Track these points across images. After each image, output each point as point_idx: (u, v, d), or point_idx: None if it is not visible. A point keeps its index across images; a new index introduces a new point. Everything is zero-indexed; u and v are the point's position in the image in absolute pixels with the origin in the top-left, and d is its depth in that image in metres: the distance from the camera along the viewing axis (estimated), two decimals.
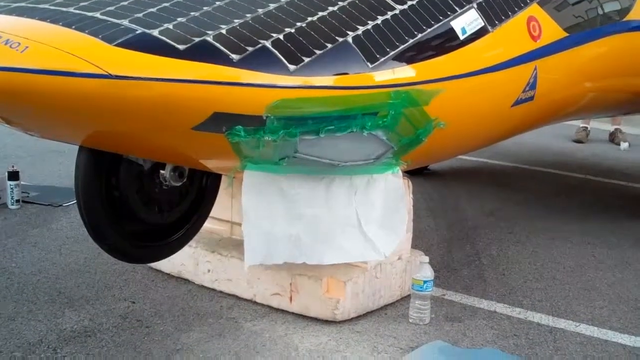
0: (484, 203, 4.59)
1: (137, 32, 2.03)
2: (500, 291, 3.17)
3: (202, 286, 3.04)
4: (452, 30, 2.62)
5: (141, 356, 2.48)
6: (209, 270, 3.03)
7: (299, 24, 2.25)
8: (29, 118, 2.18)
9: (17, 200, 3.99)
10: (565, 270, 3.47)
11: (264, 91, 2.12)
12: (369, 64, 2.31)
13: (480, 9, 2.75)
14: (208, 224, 2.99)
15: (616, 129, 6.88)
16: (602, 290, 3.26)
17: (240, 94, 2.09)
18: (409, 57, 2.44)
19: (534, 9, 3.02)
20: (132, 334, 2.63)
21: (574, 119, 5.28)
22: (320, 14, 2.32)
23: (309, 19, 2.29)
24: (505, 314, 2.94)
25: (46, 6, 2.12)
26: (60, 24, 2.03)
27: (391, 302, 2.96)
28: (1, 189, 4.00)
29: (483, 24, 2.73)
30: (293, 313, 2.82)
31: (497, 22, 2.80)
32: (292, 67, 2.15)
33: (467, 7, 2.71)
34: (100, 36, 1.99)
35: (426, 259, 2.86)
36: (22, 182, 4.07)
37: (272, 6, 2.27)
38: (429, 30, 2.53)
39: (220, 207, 3.00)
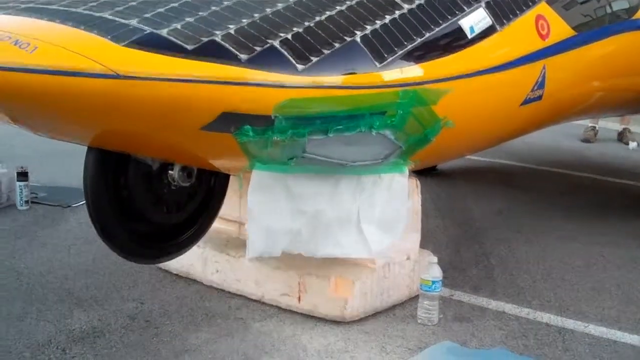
0: (492, 203, 4.57)
1: (146, 31, 2.03)
2: (509, 291, 3.16)
3: (211, 286, 3.04)
4: (460, 29, 2.61)
5: (150, 356, 2.48)
6: (217, 271, 3.03)
7: (307, 23, 2.25)
8: (38, 118, 2.18)
9: (26, 201, 4.00)
10: (573, 271, 3.46)
11: (272, 91, 2.12)
12: (377, 63, 2.31)
13: (489, 7, 2.74)
14: (216, 224, 2.99)
15: (625, 129, 6.85)
16: (611, 290, 3.25)
17: (249, 93, 2.09)
18: (417, 56, 2.44)
19: (543, 8, 3.01)
20: (141, 334, 2.63)
21: (582, 119, 5.26)
22: (328, 13, 2.32)
23: (317, 18, 2.28)
24: (514, 314, 2.93)
25: (55, 7, 2.13)
26: (69, 24, 2.03)
27: (399, 302, 2.95)
28: (10, 190, 4.01)
29: (491, 22, 2.73)
30: (301, 313, 2.81)
31: (505, 21, 2.79)
32: (300, 66, 2.15)
33: (475, 6, 2.70)
34: (109, 36, 2.00)
35: (434, 259, 2.86)
36: (30, 183, 4.08)
37: (280, 5, 2.27)
38: (437, 29, 2.53)
39: (229, 207, 3.00)
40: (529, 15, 2.93)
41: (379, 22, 2.38)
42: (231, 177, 2.88)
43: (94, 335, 2.60)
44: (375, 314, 2.84)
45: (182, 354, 2.50)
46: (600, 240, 3.90)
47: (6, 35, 1.97)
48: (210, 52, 2.05)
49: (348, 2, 2.39)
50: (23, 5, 2.17)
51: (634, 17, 3.66)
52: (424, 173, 4.55)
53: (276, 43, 2.15)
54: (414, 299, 2.94)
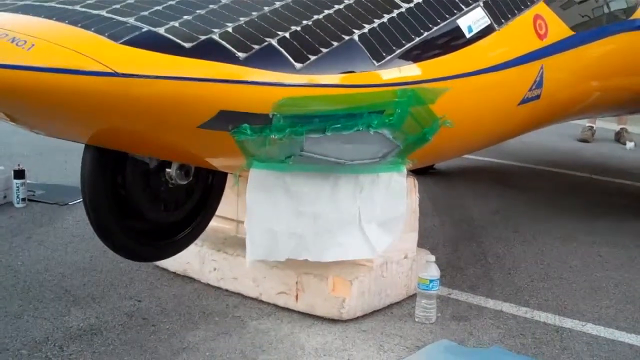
0: (490, 202, 4.58)
1: (143, 30, 2.03)
2: (507, 290, 3.16)
3: (208, 285, 3.04)
4: (458, 28, 2.61)
5: (147, 354, 2.47)
6: (214, 269, 3.03)
7: (305, 22, 2.25)
8: (35, 116, 2.18)
9: (23, 199, 3.99)
10: (571, 270, 3.46)
11: (270, 89, 2.11)
12: (375, 62, 2.31)
13: (487, 7, 2.74)
14: (214, 223, 2.99)
15: (622, 129, 6.87)
16: (608, 289, 3.25)
17: (247, 92, 2.09)
18: (415, 55, 2.44)
19: (541, 7, 3.02)
20: (138, 332, 2.63)
21: (580, 118, 5.27)
22: (327, 12, 2.32)
23: (315, 17, 2.28)
24: (512, 314, 2.93)
25: (52, 4, 2.12)
26: (66, 22, 2.02)
27: (397, 301, 2.95)
28: (7, 188, 4.01)
29: (489, 22, 2.73)
30: (299, 312, 2.81)
31: (503, 20, 2.79)
32: (298, 65, 2.15)
33: (474, 5, 2.70)
34: (106, 34, 1.99)
35: (432, 257, 2.86)
36: (27, 181, 4.07)
37: (278, 4, 2.26)
38: (435, 28, 2.52)
39: (226, 205, 3.00)
40: (527, 15, 2.93)
41: (377, 21, 2.38)
42: (229, 175, 2.88)
43: (91, 333, 2.60)
44: (373, 313, 2.85)
45: (180, 352, 2.50)
46: (598, 239, 3.91)
47: (3, 32, 1.96)
48: (208, 50, 2.04)
49: (346, 1, 2.38)
50: (20, 3, 2.16)
51: (632, 17, 3.67)
52: (421, 172, 4.56)
53: (274, 42, 2.15)
54: (411, 298, 2.94)
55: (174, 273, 3.14)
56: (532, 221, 4.18)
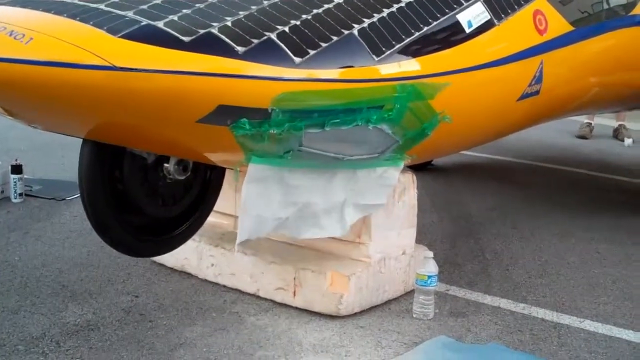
0: (488, 198, 4.58)
1: (142, 23, 2.01)
2: (504, 286, 3.16)
3: (206, 280, 3.03)
4: (458, 23, 2.61)
5: (144, 350, 2.47)
6: (212, 265, 3.02)
7: (304, 16, 2.24)
8: (32, 110, 2.16)
9: (20, 194, 3.98)
10: (569, 266, 3.46)
11: (269, 84, 2.10)
12: (374, 57, 2.30)
13: (487, 2, 2.74)
14: (212, 218, 2.97)
15: (620, 125, 6.87)
16: (606, 286, 3.25)
17: (245, 86, 2.08)
18: (414, 50, 2.43)
19: (541, 3, 3.01)
20: (135, 327, 2.62)
21: (579, 114, 5.27)
22: (326, 6, 2.31)
23: (315, 11, 2.27)
24: (509, 310, 2.93)
25: None
26: (65, 15, 2.01)
27: (395, 297, 2.95)
28: (4, 183, 4.00)
29: (489, 17, 2.73)
30: (296, 308, 2.81)
31: (503, 15, 2.79)
32: (297, 59, 2.14)
33: (474, 0, 2.69)
34: (104, 28, 1.98)
35: (430, 254, 2.85)
36: (25, 176, 4.06)
37: None
38: (435, 23, 2.52)
39: (224, 201, 2.99)
40: (527, 10, 2.92)
41: (376, 16, 2.38)
42: (227, 171, 2.87)
43: (88, 329, 2.59)
44: (371, 309, 2.84)
45: (177, 348, 2.49)
46: (596, 236, 3.91)
47: (1, 26, 1.95)
48: (207, 44, 2.04)
49: None
50: None
51: (631, 13, 3.66)
52: (419, 168, 4.56)
53: (273, 36, 2.14)
54: (409, 294, 2.94)
55: (172, 269, 3.13)
56: (530, 217, 4.18)
